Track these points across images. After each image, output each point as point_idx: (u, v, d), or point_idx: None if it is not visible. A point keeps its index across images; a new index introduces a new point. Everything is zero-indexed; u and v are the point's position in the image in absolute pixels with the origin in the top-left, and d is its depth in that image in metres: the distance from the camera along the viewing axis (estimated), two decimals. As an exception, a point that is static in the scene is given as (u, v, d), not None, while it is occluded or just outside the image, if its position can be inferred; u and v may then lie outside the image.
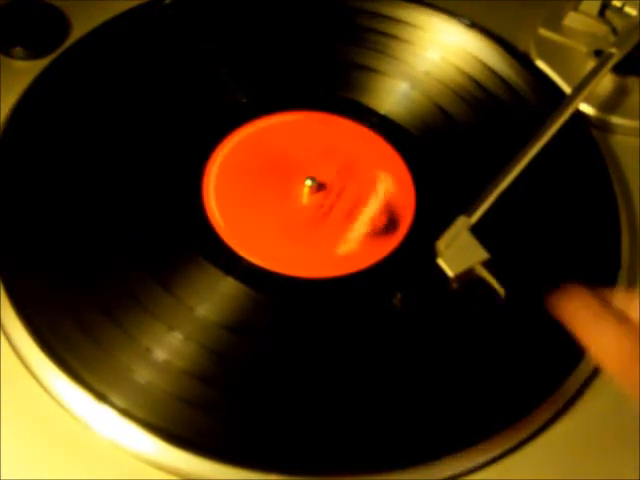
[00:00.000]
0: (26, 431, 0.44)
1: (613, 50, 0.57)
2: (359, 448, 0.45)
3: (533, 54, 0.61)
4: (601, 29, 0.62)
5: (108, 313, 0.47)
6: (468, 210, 0.50)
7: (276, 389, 0.46)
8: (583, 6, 0.62)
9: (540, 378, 0.47)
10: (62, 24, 0.59)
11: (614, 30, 0.62)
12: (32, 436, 0.44)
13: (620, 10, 0.63)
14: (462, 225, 0.49)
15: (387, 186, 0.51)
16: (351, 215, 0.52)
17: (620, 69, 0.59)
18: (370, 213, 0.51)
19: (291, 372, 0.46)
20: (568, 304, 0.40)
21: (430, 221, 0.52)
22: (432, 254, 0.49)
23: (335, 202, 0.53)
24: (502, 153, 0.53)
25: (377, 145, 0.56)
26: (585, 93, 0.55)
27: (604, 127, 0.59)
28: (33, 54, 0.57)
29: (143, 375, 0.45)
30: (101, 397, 0.44)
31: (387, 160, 0.55)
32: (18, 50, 0.57)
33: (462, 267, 0.48)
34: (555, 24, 0.63)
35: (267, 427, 0.45)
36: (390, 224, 0.51)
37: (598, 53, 0.60)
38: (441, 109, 0.57)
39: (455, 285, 0.49)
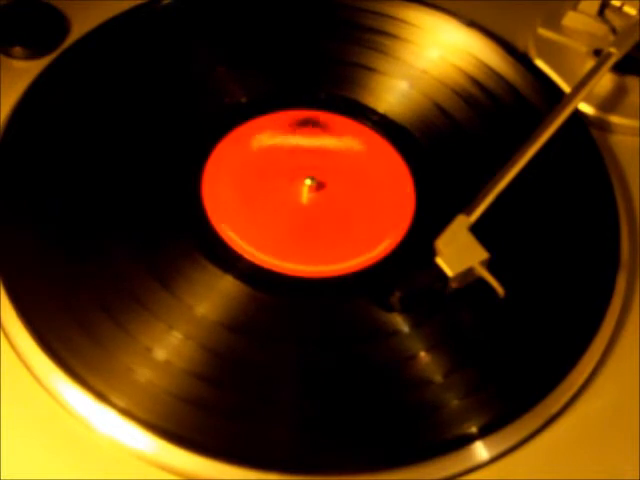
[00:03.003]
0: (26, 431, 0.44)
1: (612, 50, 0.57)
2: (358, 447, 0.45)
3: (532, 53, 0.61)
4: (600, 29, 0.62)
5: (108, 313, 0.47)
6: (467, 209, 0.50)
7: (276, 389, 0.46)
8: (582, 6, 0.62)
9: (540, 378, 0.47)
10: (62, 24, 0.59)
11: (613, 30, 0.62)
12: (32, 436, 0.44)
13: (619, 10, 0.63)
14: (461, 224, 0.49)
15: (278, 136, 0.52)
16: (359, 200, 0.52)
17: (619, 68, 0.59)
18: (309, 141, 0.52)
19: (291, 372, 0.46)
20: None
21: (429, 220, 0.52)
22: (431, 253, 0.49)
23: (335, 201, 0.53)
24: (501, 152, 0.53)
25: (376, 144, 0.56)
26: (584, 92, 0.55)
27: (603, 127, 0.59)
28: (33, 54, 0.57)
29: (143, 374, 0.45)
30: (101, 397, 0.44)
31: (387, 159, 0.55)
32: (18, 50, 0.57)
33: (461, 266, 0.48)
34: (554, 23, 0.63)
35: (267, 426, 0.45)
36: (313, 124, 0.52)
37: (597, 52, 0.60)
38: (440, 108, 0.57)
39: (454, 285, 0.49)
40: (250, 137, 0.55)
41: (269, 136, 0.54)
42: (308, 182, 0.52)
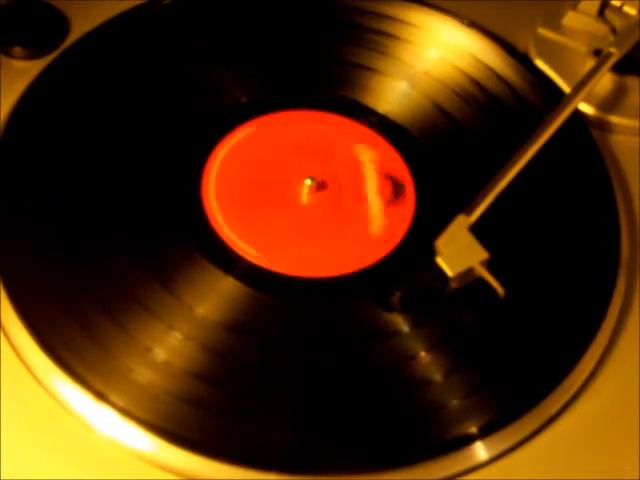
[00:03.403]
0: (26, 431, 0.44)
1: (612, 49, 0.57)
2: (358, 447, 0.45)
3: (532, 53, 0.61)
4: (600, 28, 0.62)
5: (108, 313, 0.47)
6: (467, 209, 0.50)
7: (276, 389, 0.46)
8: (582, 6, 0.62)
9: (540, 378, 0.47)
10: (62, 24, 0.59)
11: (613, 29, 0.62)
12: (32, 436, 0.44)
13: (619, 9, 0.63)
14: (461, 224, 0.49)
15: (369, 156, 0.51)
16: (359, 200, 0.52)
17: (619, 68, 0.59)
18: (373, 187, 0.51)
19: (291, 372, 0.46)
20: None
21: (429, 220, 0.52)
22: (431, 253, 0.49)
23: (335, 201, 0.53)
24: (501, 152, 0.53)
25: (376, 144, 0.56)
26: (584, 92, 0.55)
27: (603, 126, 0.59)
28: (33, 54, 0.57)
29: (143, 375, 0.45)
30: (101, 397, 0.44)
31: (386, 159, 0.55)
32: (18, 50, 0.57)
33: (461, 266, 0.48)
34: (554, 23, 0.63)
35: (266, 426, 0.45)
36: (396, 187, 0.51)
37: (597, 52, 0.60)
38: (440, 108, 0.57)
39: (454, 285, 0.49)
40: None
41: (370, 159, 0.53)
42: (308, 182, 0.52)
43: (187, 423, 0.44)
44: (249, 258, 0.50)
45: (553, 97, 0.57)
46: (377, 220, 0.52)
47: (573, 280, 0.51)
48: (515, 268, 0.50)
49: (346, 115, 0.57)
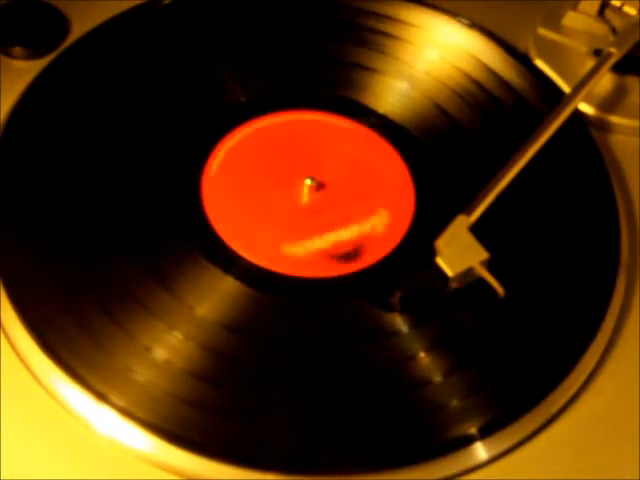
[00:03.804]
0: (26, 431, 0.44)
1: (612, 49, 0.57)
2: (358, 447, 0.45)
3: (532, 53, 0.61)
4: (600, 28, 0.62)
5: (108, 313, 0.47)
6: (467, 209, 0.50)
7: (275, 389, 0.46)
8: (582, 6, 0.62)
9: (540, 378, 0.47)
10: (62, 24, 0.59)
11: (613, 29, 0.62)
12: (32, 436, 0.44)
13: (619, 9, 0.63)
14: (461, 224, 0.49)
15: (377, 224, 0.51)
16: (328, 228, 0.52)
17: (619, 68, 0.59)
18: (341, 237, 0.51)
19: (291, 372, 0.46)
20: None
21: (429, 220, 0.52)
22: (431, 253, 0.49)
23: (335, 201, 0.53)
24: (501, 152, 0.53)
25: (376, 144, 0.56)
26: (584, 92, 0.55)
27: (603, 127, 0.59)
28: (33, 54, 0.57)
29: (143, 375, 0.45)
30: (101, 397, 0.44)
31: (386, 159, 0.55)
32: (18, 50, 0.57)
33: (461, 266, 0.48)
34: (554, 23, 0.63)
35: (266, 427, 0.45)
36: (349, 256, 0.51)
37: (597, 52, 0.60)
38: (440, 109, 0.57)
39: (454, 285, 0.49)
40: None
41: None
42: (308, 182, 0.52)
43: (187, 423, 0.44)
44: (249, 258, 0.50)
45: (553, 97, 0.57)
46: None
47: (573, 280, 0.51)
48: (515, 268, 0.50)
49: (346, 115, 0.57)
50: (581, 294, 0.50)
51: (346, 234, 0.51)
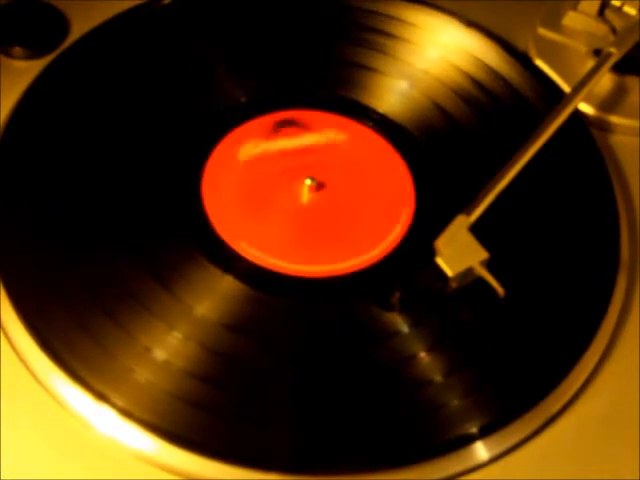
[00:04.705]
0: (26, 431, 0.44)
1: (612, 49, 0.57)
2: (358, 447, 0.45)
3: (532, 53, 0.61)
4: (600, 28, 0.62)
5: (108, 313, 0.47)
6: (467, 209, 0.50)
7: (275, 389, 0.46)
8: (582, 5, 0.62)
9: (540, 378, 0.47)
10: (61, 24, 0.59)
11: (613, 29, 0.62)
12: (32, 436, 0.44)
13: (619, 9, 0.63)
14: (461, 224, 0.49)
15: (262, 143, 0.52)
16: (359, 199, 0.53)
17: (619, 68, 0.59)
18: (291, 141, 0.52)
19: (291, 372, 0.46)
20: None
21: (429, 220, 0.52)
22: (431, 253, 0.49)
23: (335, 201, 0.53)
24: (501, 152, 0.53)
25: (376, 144, 0.56)
26: (584, 92, 0.55)
27: (603, 126, 0.59)
28: (33, 54, 0.57)
29: (143, 375, 0.45)
30: (101, 397, 0.44)
31: (386, 159, 0.55)
32: (18, 50, 0.57)
33: (461, 266, 0.48)
34: (554, 23, 0.63)
35: (267, 426, 0.45)
36: (290, 124, 0.52)
37: (597, 52, 0.60)
38: (440, 108, 0.57)
39: (454, 284, 0.49)
40: (237, 149, 0.55)
41: (253, 145, 0.54)
42: (308, 182, 0.52)
43: (187, 423, 0.44)
44: (249, 258, 0.50)
45: (553, 97, 0.57)
46: (328, 135, 0.54)
47: (573, 280, 0.51)
48: (515, 268, 0.50)
49: (346, 115, 0.57)
50: (581, 294, 0.50)
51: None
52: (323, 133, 0.54)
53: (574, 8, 0.63)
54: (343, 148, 0.55)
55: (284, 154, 0.55)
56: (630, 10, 0.63)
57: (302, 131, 0.54)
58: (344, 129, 0.56)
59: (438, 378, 0.47)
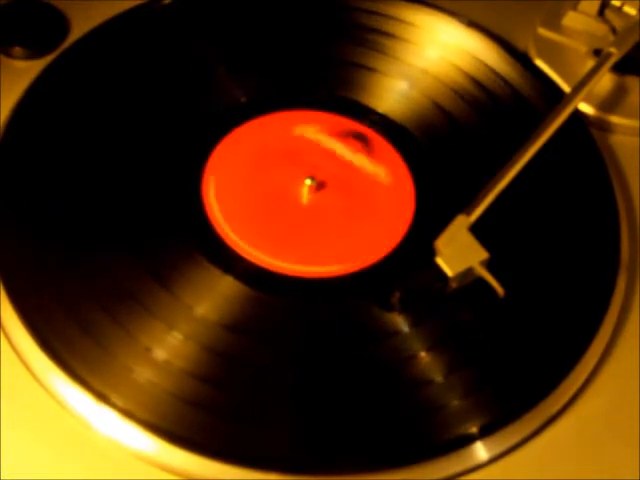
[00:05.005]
0: (26, 431, 0.44)
1: (612, 49, 0.57)
2: (358, 447, 0.45)
3: (532, 53, 0.61)
4: (600, 28, 0.62)
5: (108, 313, 0.47)
6: (467, 209, 0.50)
7: (275, 388, 0.46)
8: (582, 5, 0.62)
9: (540, 378, 0.47)
10: (62, 24, 0.59)
11: (613, 29, 0.62)
12: (32, 436, 0.44)
13: (619, 9, 0.63)
14: (461, 224, 0.49)
15: (312, 130, 0.51)
16: (359, 199, 0.53)
17: (619, 68, 0.59)
18: (345, 150, 0.51)
19: (291, 372, 0.46)
20: None
21: (429, 220, 0.52)
22: (431, 253, 0.49)
23: (335, 201, 0.53)
24: (501, 152, 0.53)
25: (376, 144, 0.56)
26: (584, 92, 0.55)
27: (603, 126, 0.59)
28: (33, 54, 0.57)
29: (143, 375, 0.45)
30: (101, 397, 0.44)
31: (386, 159, 0.55)
32: (18, 50, 0.57)
33: (461, 266, 0.48)
34: (554, 23, 0.63)
35: (266, 426, 0.45)
36: (360, 138, 0.51)
37: (597, 52, 0.60)
38: (440, 108, 0.57)
39: (454, 284, 0.49)
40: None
41: (315, 131, 0.54)
42: (308, 182, 0.52)
43: (187, 423, 0.44)
44: (249, 258, 0.50)
45: (553, 97, 0.57)
46: (378, 171, 0.53)
47: (573, 280, 0.51)
48: (515, 268, 0.50)
49: (346, 115, 0.57)
50: (581, 294, 0.50)
51: (340, 148, 0.53)
52: (376, 164, 0.53)
53: (574, 8, 0.63)
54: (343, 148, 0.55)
55: (284, 154, 0.55)
56: (630, 10, 0.63)
57: (362, 150, 0.54)
58: (395, 171, 0.55)
59: (438, 378, 0.47)
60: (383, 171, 0.52)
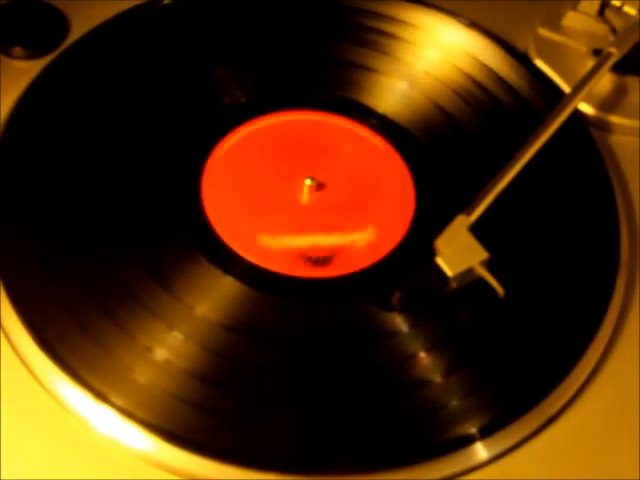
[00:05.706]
0: (26, 431, 0.44)
1: (612, 49, 0.57)
2: (358, 447, 0.45)
3: (532, 53, 0.61)
4: (600, 28, 0.62)
5: (108, 313, 0.47)
6: (467, 209, 0.50)
7: (275, 388, 0.46)
8: (582, 6, 0.62)
9: (540, 378, 0.47)
10: (62, 24, 0.59)
11: (613, 29, 0.62)
12: (32, 436, 0.44)
13: (619, 9, 0.63)
14: (461, 224, 0.49)
15: (359, 240, 0.51)
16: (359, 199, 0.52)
17: (619, 68, 0.59)
18: (321, 242, 0.51)
19: (290, 372, 0.46)
20: None
21: (429, 220, 0.52)
22: (431, 253, 0.49)
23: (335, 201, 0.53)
24: (501, 152, 0.53)
25: (376, 144, 0.56)
26: (584, 92, 0.55)
27: (603, 126, 0.59)
28: (33, 54, 0.57)
29: (143, 375, 0.45)
30: (101, 397, 0.44)
31: (386, 159, 0.55)
32: (18, 50, 0.57)
33: (461, 266, 0.48)
34: (554, 23, 0.63)
35: (266, 427, 0.45)
36: (320, 262, 0.50)
37: (597, 52, 0.60)
38: (440, 108, 0.57)
39: (454, 284, 0.49)
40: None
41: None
42: (308, 182, 0.52)
43: (187, 423, 0.44)
44: (249, 258, 0.50)
45: (553, 97, 0.57)
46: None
47: (573, 280, 0.51)
48: (515, 268, 0.50)
49: (346, 115, 0.57)
50: (581, 294, 0.50)
51: (326, 240, 0.51)
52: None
53: (574, 8, 0.63)
54: (343, 148, 0.55)
55: (285, 154, 0.55)
56: (630, 10, 0.63)
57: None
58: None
59: (438, 378, 0.47)
60: (274, 245, 0.51)
